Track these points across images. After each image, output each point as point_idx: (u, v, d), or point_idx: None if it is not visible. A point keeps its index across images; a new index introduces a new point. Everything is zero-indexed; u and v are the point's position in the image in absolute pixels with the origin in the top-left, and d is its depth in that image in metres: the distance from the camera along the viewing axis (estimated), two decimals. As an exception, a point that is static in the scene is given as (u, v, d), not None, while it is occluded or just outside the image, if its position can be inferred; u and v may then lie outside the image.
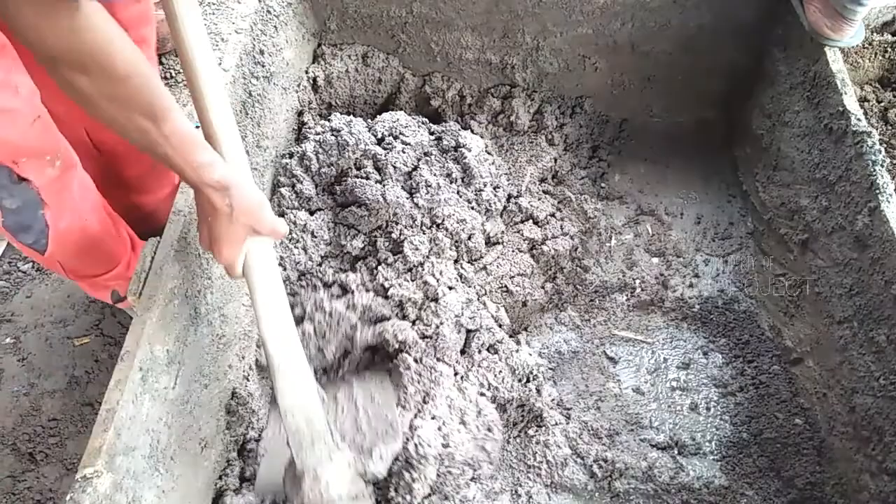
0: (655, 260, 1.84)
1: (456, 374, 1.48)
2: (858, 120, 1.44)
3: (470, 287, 1.62)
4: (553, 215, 1.86)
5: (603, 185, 1.99)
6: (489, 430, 1.43)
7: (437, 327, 1.48)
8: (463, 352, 1.52)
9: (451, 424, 1.37)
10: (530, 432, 1.49)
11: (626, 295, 1.78)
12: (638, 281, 1.80)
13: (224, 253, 1.09)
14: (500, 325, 1.60)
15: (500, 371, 1.51)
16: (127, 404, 1.04)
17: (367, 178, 1.63)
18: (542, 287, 1.76)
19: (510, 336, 1.64)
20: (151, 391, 1.11)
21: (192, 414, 1.24)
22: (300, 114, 1.83)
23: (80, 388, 1.71)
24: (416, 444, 1.31)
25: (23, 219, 1.27)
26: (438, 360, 1.46)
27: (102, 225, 1.48)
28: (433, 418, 1.37)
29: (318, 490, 1.14)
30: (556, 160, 1.98)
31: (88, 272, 1.55)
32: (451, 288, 1.55)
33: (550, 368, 1.64)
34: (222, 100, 1.14)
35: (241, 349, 1.47)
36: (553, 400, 1.55)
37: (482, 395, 1.48)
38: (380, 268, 1.57)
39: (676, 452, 1.51)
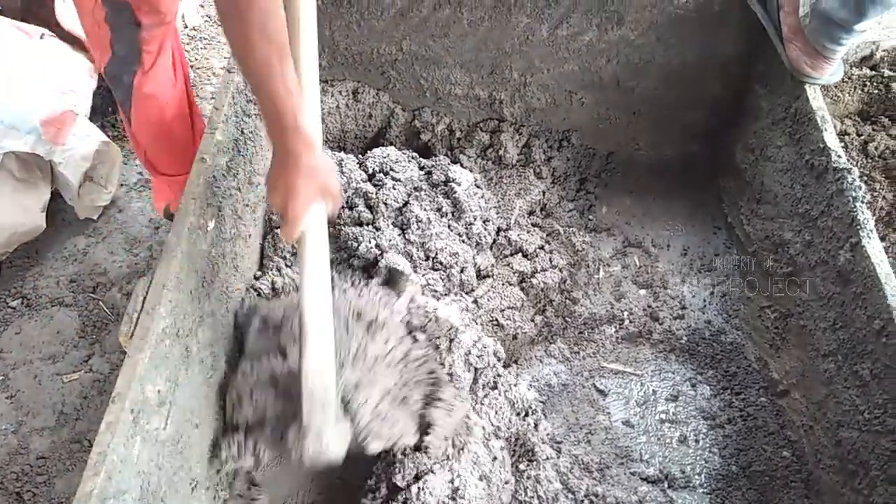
0: (643, 292, 1.86)
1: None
2: (839, 157, 1.48)
3: (476, 323, 1.62)
4: (542, 248, 1.88)
5: (590, 217, 2.02)
6: (507, 482, 1.42)
7: (451, 366, 1.48)
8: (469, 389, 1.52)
9: (468, 479, 1.35)
10: (521, 467, 1.49)
11: (615, 327, 1.79)
12: (626, 313, 1.81)
13: (296, 208, 1.16)
14: (499, 360, 1.61)
15: (501, 407, 1.50)
16: (118, 447, 1.04)
17: (360, 224, 1.65)
18: (532, 320, 1.78)
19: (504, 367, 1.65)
20: (143, 433, 1.11)
21: (183, 454, 1.23)
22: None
23: (69, 425, 1.69)
24: (419, 489, 1.30)
25: (120, 69, 1.55)
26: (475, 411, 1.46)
27: (181, 120, 1.73)
28: (450, 470, 1.35)
29: (318, 448, 1.25)
30: (544, 193, 2.01)
31: (164, 167, 1.81)
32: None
33: (541, 401, 1.65)
34: (314, 80, 1.24)
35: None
36: (548, 434, 1.56)
37: (502, 448, 1.47)
38: None
39: (666, 486, 1.51)
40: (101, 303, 1.91)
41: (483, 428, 1.44)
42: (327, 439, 1.26)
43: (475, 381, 1.52)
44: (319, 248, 1.24)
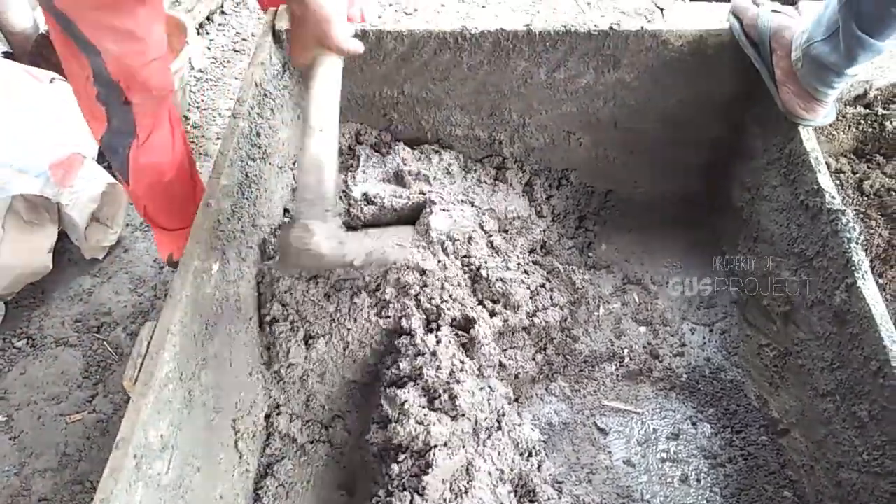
0: (643, 329, 1.88)
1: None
2: (833, 198, 1.50)
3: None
4: (543, 286, 1.89)
5: (590, 254, 2.04)
6: None
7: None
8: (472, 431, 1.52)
9: None
10: (522, 509, 1.49)
11: (615, 364, 1.80)
12: (626, 350, 1.82)
13: (294, 56, 1.36)
14: (508, 402, 1.61)
15: (505, 448, 1.50)
16: (121, 493, 1.05)
17: None
18: (533, 359, 1.78)
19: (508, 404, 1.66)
20: (145, 478, 1.12)
21: (185, 498, 1.24)
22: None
23: (72, 466, 1.70)
24: None
25: (115, 141, 1.59)
26: (477, 453, 1.45)
27: (180, 182, 1.77)
28: None
29: (304, 239, 1.26)
30: (544, 231, 2.03)
31: (164, 223, 1.85)
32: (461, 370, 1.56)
33: (542, 441, 1.65)
34: None
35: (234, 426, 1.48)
36: (549, 475, 1.56)
37: (510, 492, 1.46)
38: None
39: (668, 527, 1.51)
40: (105, 343, 1.93)
41: (489, 474, 1.44)
42: (316, 232, 1.26)
43: (477, 422, 1.52)
44: (327, 87, 1.34)
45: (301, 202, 1.28)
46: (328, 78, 1.35)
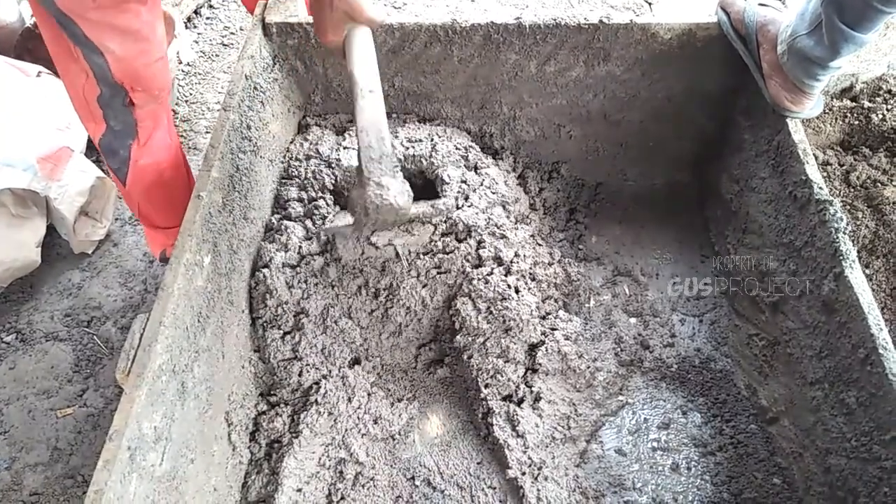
0: (633, 320, 1.89)
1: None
2: (820, 189, 1.51)
3: None
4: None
5: (580, 246, 2.05)
6: None
7: None
8: None
9: None
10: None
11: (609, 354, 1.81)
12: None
13: (324, 37, 1.33)
14: None
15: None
16: (115, 485, 1.05)
17: None
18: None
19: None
20: (139, 469, 1.12)
21: (179, 490, 1.24)
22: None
23: (63, 460, 1.69)
24: None
25: (115, 143, 1.58)
26: None
27: (178, 179, 1.77)
28: None
29: (381, 195, 1.34)
30: (536, 224, 2.03)
31: (160, 222, 1.84)
32: None
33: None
34: None
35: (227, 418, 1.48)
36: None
37: None
38: None
39: (659, 515, 1.53)
40: (95, 337, 1.92)
41: None
42: (389, 186, 1.34)
43: None
44: (364, 56, 1.33)
45: (368, 162, 1.32)
46: (365, 47, 1.35)
